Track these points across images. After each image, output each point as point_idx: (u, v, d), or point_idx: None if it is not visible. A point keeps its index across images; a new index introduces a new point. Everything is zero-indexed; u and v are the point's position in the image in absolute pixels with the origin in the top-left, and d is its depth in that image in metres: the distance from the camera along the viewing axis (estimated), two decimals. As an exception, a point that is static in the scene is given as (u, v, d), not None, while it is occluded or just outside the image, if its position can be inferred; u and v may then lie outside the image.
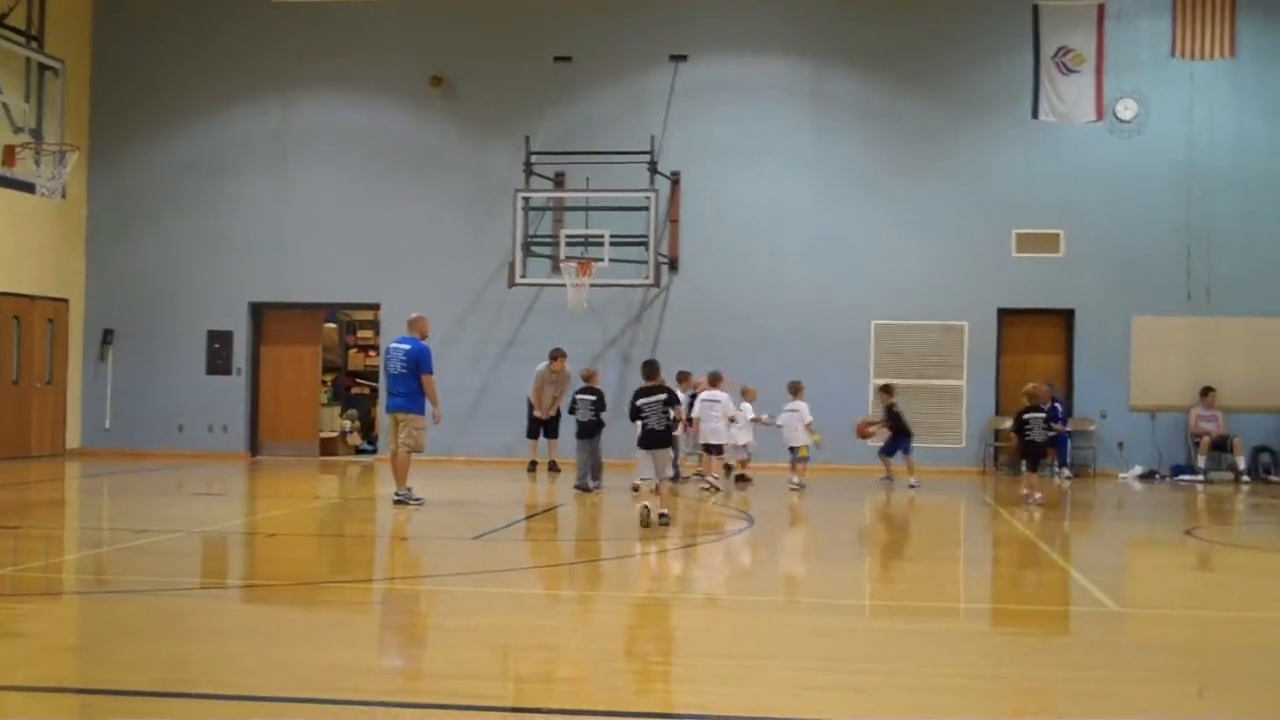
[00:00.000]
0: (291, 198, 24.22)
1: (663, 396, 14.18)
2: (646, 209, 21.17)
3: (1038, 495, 17.13)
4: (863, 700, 6.85)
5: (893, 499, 18.57)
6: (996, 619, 9.83)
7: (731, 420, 18.89)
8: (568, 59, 23.41)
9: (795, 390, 19.43)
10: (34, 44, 17.65)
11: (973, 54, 22.95)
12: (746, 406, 19.70)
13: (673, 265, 22.91)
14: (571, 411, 18.25)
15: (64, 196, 18.19)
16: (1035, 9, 22.65)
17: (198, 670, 7.31)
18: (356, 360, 26.44)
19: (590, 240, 21.33)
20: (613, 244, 21.04)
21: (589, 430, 17.71)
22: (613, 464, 19.01)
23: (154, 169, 24.55)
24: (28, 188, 17.14)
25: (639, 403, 14.18)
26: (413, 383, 15.74)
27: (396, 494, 15.75)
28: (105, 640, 8.33)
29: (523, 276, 21.66)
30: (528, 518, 15.85)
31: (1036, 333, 22.93)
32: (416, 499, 15.69)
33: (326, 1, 24.28)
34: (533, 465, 21.07)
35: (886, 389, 20.77)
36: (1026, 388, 17.76)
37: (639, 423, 14.12)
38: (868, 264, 22.76)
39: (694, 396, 19.16)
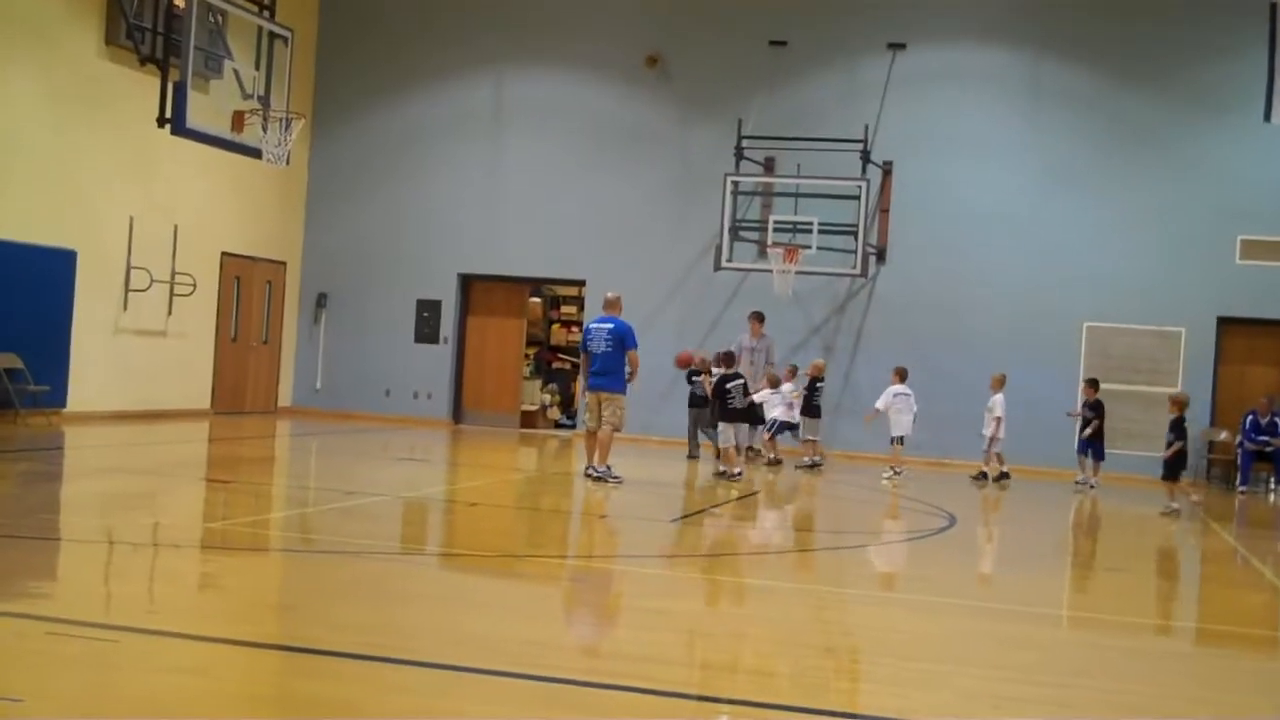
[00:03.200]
0: (503, 171, 24.57)
1: (742, 381, 17.53)
2: (857, 198, 20.95)
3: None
4: (1067, 716, 6.65)
5: (1087, 504, 18.10)
6: (1204, 639, 9.48)
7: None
8: (783, 43, 23.25)
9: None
10: (265, 13, 18.14)
11: (1201, 50, 22.10)
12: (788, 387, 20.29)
13: (881, 256, 22.62)
14: (690, 380, 19.98)
15: (288, 163, 18.68)
16: (1272, 7, 21.49)
17: (399, 636, 7.44)
18: (559, 335, 26.72)
19: (798, 227, 21.19)
20: (821, 232, 20.88)
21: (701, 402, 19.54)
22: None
23: (372, 138, 25.16)
24: (254, 153, 17.64)
25: (727, 385, 17.31)
26: (616, 361, 15.89)
27: (596, 470, 15.89)
28: (310, 599, 8.53)
29: (728, 260, 21.61)
30: (725, 503, 15.82)
31: (1259, 344, 21.99)
32: (615, 477, 15.80)
33: (548, -21, 24.55)
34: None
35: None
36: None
37: (723, 400, 17.29)
38: (1082, 263, 22.13)
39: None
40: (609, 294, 16.67)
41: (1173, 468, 16.80)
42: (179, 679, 6.28)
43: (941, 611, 9.34)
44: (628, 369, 16.03)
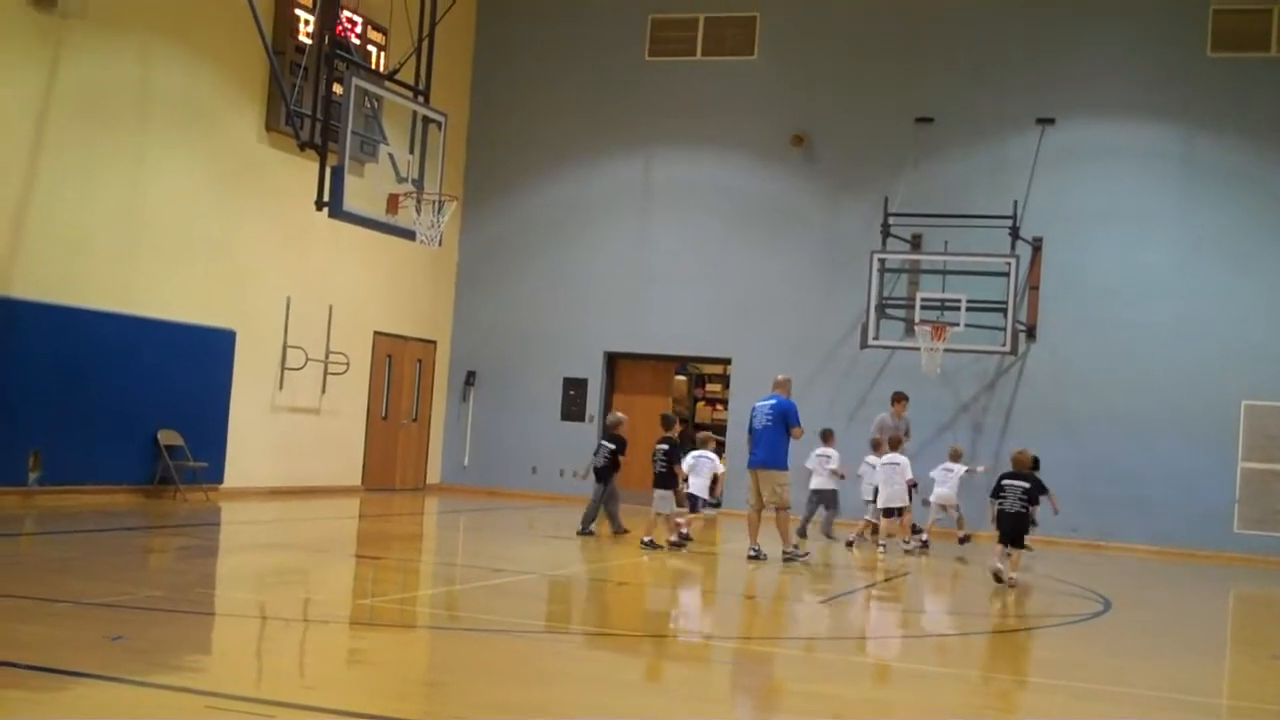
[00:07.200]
0: (649, 250, 24.75)
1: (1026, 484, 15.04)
2: (1006, 275, 20.72)
3: None
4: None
5: (1249, 589, 17.52)
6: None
7: (913, 484, 18.46)
8: (930, 120, 23.18)
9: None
10: (420, 98, 18.56)
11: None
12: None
13: (1030, 333, 22.30)
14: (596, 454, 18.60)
15: (440, 244, 19.03)
16: None
17: (547, 715, 7.45)
18: (704, 413, 26.71)
19: (946, 304, 21.01)
20: (969, 309, 20.68)
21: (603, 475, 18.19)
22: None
23: (520, 219, 25.53)
24: (408, 235, 17.98)
25: (1003, 482, 15.14)
26: (775, 438, 15.87)
27: (785, 551, 15.92)
28: (458, 677, 8.58)
29: (875, 338, 21.47)
30: (876, 584, 15.64)
31: None
32: (804, 555, 15.95)
33: (694, 60, 24.79)
34: (876, 528, 20.79)
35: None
36: None
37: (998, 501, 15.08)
38: (1240, 340, 21.56)
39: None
40: (779, 376, 16.78)
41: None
42: (332, 755, 6.35)
43: (1096, 699, 9.10)
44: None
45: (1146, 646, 12.22)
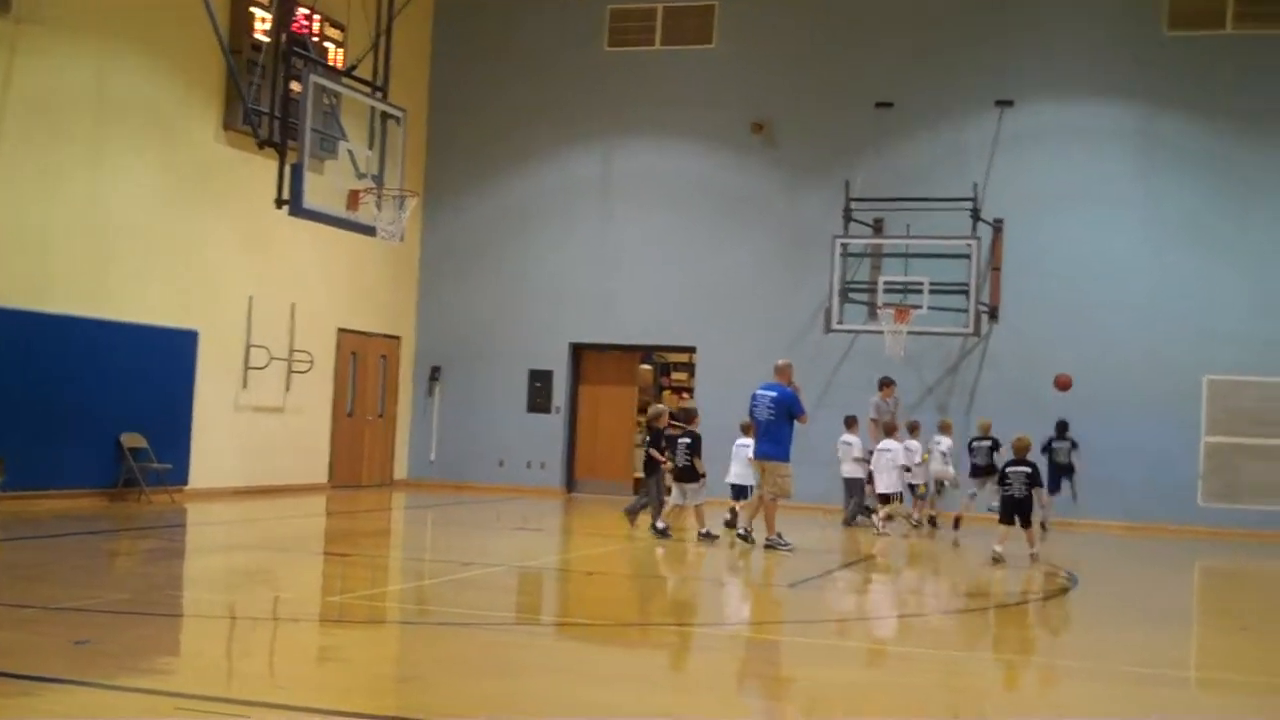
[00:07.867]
0: (612, 241, 24.72)
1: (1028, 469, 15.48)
2: (968, 257, 20.81)
3: None
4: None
5: (1215, 563, 17.65)
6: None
7: (907, 469, 19.01)
8: (889, 105, 23.22)
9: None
10: (379, 94, 18.47)
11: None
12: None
13: (993, 314, 22.39)
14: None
15: (402, 240, 18.95)
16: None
17: (524, 707, 7.44)
18: (670, 401, 26.69)
19: (909, 287, 21.08)
20: (932, 291, 20.76)
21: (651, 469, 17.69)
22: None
23: (482, 213, 25.46)
24: (369, 231, 17.89)
25: (1007, 470, 15.57)
26: (779, 430, 15.89)
27: (767, 539, 15.92)
28: (430, 671, 8.55)
29: (839, 323, 21.55)
30: (843, 566, 15.68)
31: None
32: (785, 544, 15.83)
33: (653, 50, 24.77)
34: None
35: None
36: None
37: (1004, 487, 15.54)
38: (1200, 317, 21.69)
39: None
40: (779, 361, 16.70)
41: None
42: (304, 753, 6.32)
43: (1070, 674, 9.15)
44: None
45: (1117, 621, 12.29)
